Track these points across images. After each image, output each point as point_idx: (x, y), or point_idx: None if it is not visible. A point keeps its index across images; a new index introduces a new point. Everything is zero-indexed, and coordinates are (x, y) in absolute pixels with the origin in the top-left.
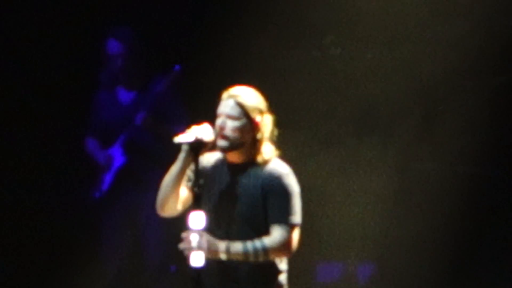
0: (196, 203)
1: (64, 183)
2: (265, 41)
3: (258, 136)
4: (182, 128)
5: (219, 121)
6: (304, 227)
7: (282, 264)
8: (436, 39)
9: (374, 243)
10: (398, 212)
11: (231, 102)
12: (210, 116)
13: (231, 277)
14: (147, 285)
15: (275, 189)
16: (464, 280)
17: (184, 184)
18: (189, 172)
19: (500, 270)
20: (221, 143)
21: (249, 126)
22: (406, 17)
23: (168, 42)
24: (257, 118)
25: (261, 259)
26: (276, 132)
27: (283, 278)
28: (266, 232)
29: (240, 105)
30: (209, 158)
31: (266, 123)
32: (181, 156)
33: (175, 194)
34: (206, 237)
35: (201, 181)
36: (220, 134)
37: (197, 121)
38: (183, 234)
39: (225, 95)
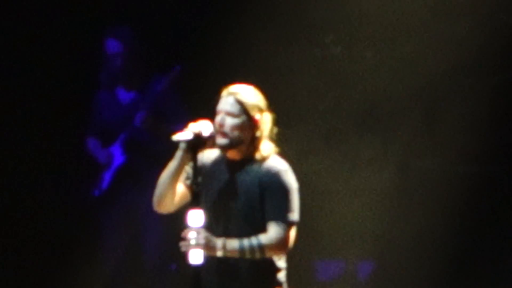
0: (195, 201)
1: (63, 182)
2: (266, 39)
3: (257, 134)
4: (182, 127)
5: (218, 118)
6: (303, 225)
7: (281, 261)
8: (437, 37)
9: (374, 241)
10: (398, 209)
11: (230, 100)
12: (210, 114)
13: (230, 274)
14: (147, 284)
15: (273, 185)
16: (464, 278)
17: (181, 180)
18: (188, 169)
19: (500, 269)
20: (220, 140)
21: (248, 124)
22: (408, 16)
23: (168, 41)
24: (257, 116)
25: (257, 256)
26: (275, 131)
27: (282, 275)
28: (264, 228)
29: (239, 103)
30: (208, 155)
31: (265, 121)
32: (178, 154)
33: (172, 191)
34: (204, 234)
35: (200, 179)
36: (219, 131)
37: (197, 119)
38: (183, 233)
39: (224, 92)
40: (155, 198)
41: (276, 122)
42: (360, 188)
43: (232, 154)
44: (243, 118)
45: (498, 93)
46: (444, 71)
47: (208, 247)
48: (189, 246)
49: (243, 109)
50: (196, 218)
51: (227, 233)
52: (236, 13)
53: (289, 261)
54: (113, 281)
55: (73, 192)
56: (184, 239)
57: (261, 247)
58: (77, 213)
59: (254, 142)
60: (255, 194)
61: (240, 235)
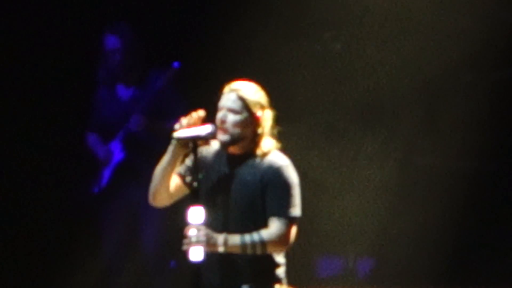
0: (195, 198)
1: (63, 179)
2: (267, 35)
3: (259, 130)
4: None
5: (220, 115)
6: (303, 221)
7: (280, 257)
8: (439, 34)
9: (374, 237)
10: (399, 206)
11: (232, 96)
12: (210, 110)
13: (229, 270)
14: (147, 280)
15: (275, 181)
16: (464, 275)
17: (177, 173)
18: (188, 161)
19: (500, 265)
20: (222, 136)
21: (250, 121)
22: (411, 13)
23: (167, 37)
24: (258, 112)
25: (258, 252)
26: (276, 128)
27: (281, 271)
28: (264, 223)
29: (241, 99)
30: (208, 148)
31: (267, 117)
32: (170, 148)
33: (166, 185)
34: (205, 231)
35: (201, 176)
36: (221, 127)
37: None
38: (185, 231)
39: (226, 89)
40: (150, 192)
41: (277, 118)
42: (361, 184)
43: (233, 149)
44: (245, 114)
45: (499, 90)
46: (445, 68)
47: (209, 244)
48: (190, 243)
49: (245, 106)
50: (196, 215)
51: (227, 228)
52: (237, 9)
53: (289, 257)
54: (113, 278)
55: (73, 189)
56: (185, 236)
57: (263, 243)
58: (77, 210)
59: (255, 139)
60: (256, 189)
61: (240, 229)
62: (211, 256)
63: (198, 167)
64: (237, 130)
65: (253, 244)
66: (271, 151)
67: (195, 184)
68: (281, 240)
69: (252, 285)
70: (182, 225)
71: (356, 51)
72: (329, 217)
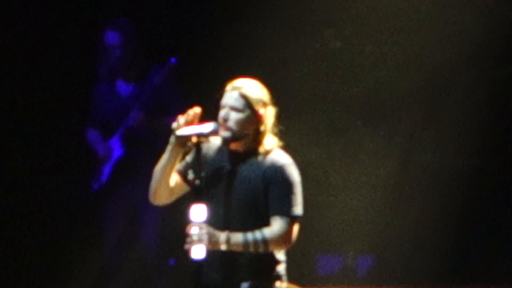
0: (197, 195)
1: (62, 175)
2: (268, 31)
3: (261, 128)
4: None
5: (222, 113)
6: (303, 218)
7: (281, 254)
8: (440, 31)
9: (374, 235)
10: (399, 204)
11: (235, 94)
12: (211, 108)
13: (230, 267)
14: (146, 278)
15: (277, 179)
16: (463, 273)
17: (176, 170)
18: (188, 159)
19: (500, 263)
20: (224, 133)
21: (252, 118)
22: (412, 9)
23: (168, 33)
24: (261, 110)
25: (260, 250)
26: (278, 125)
27: (281, 268)
28: (265, 220)
29: (244, 97)
30: (210, 145)
31: (269, 115)
32: (168, 148)
33: (165, 184)
34: (207, 229)
35: (203, 174)
36: (224, 125)
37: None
38: (187, 229)
39: (229, 87)
40: (150, 191)
41: (279, 115)
42: (361, 181)
43: (235, 146)
44: (247, 112)
45: (500, 88)
46: (446, 66)
47: (211, 242)
48: (192, 241)
49: (248, 104)
50: (198, 212)
51: (229, 225)
52: (238, 5)
53: (289, 254)
54: (112, 274)
55: (72, 186)
56: (187, 234)
57: (265, 241)
58: (76, 207)
59: (258, 136)
60: (258, 186)
61: (242, 227)
62: (212, 253)
63: (201, 165)
64: (239, 128)
65: (255, 242)
66: (273, 149)
67: (197, 182)
68: (283, 239)
69: (253, 282)
70: (183, 223)
71: (358, 49)
72: (329, 215)
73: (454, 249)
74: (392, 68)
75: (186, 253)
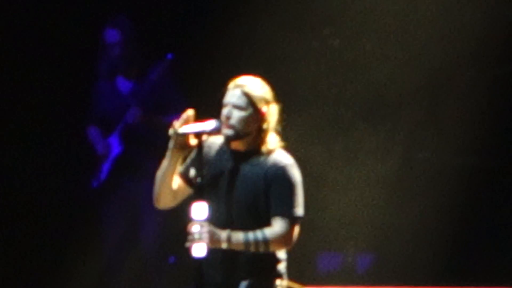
0: (199, 193)
1: (62, 173)
2: (269, 28)
3: (264, 126)
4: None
5: (225, 111)
6: (304, 216)
7: (281, 253)
8: (441, 30)
9: (374, 233)
10: (399, 201)
11: (237, 92)
12: (212, 105)
13: (230, 266)
14: (146, 276)
15: (279, 179)
16: (463, 271)
17: (178, 173)
18: (189, 160)
19: (500, 260)
20: (226, 131)
21: (255, 116)
22: (414, 7)
23: (169, 31)
24: (263, 108)
25: (261, 249)
26: (281, 123)
27: (282, 267)
28: (266, 220)
29: (246, 95)
30: (211, 143)
31: (272, 113)
32: (167, 153)
33: (168, 188)
34: (208, 227)
35: (204, 171)
36: (226, 123)
37: (199, 109)
38: (188, 227)
39: (231, 84)
40: (154, 196)
41: (281, 112)
42: (362, 179)
43: (237, 145)
44: (250, 110)
45: (501, 86)
46: (447, 64)
47: (212, 240)
48: (193, 240)
49: (250, 102)
50: (200, 210)
51: (229, 224)
52: (238, 3)
53: (289, 252)
54: (112, 272)
55: (72, 183)
56: (188, 233)
57: (266, 241)
58: (76, 204)
59: (260, 134)
60: (259, 186)
61: (242, 226)
62: (213, 251)
63: (203, 163)
64: (242, 126)
65: (256, 242)
66: (276, 149)
67: (199, 179)
68: (284, 239)
69: (253, 280)
70: (184, 221)
71: (358, 47)
72: (329, 213)
73: (454, 247)
74: (393, 67)
75: (187, 251)
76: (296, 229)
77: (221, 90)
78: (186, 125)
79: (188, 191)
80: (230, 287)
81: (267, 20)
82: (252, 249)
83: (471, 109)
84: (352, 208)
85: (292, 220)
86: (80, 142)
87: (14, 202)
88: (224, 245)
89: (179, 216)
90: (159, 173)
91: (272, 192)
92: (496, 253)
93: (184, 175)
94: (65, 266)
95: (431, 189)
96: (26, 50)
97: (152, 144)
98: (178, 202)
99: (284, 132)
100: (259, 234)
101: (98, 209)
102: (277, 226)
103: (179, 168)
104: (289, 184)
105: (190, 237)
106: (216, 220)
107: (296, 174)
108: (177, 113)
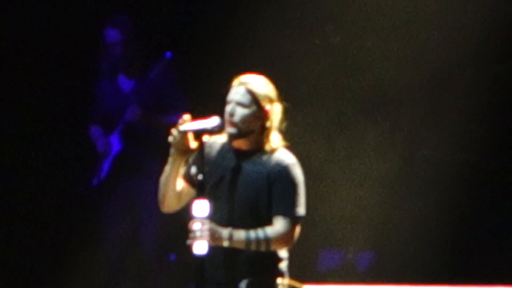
0: (200, 191)
1: (62, 171)
2: (270, 26)
3: (267, 124)
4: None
5: (229, 108)
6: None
7: (283, 252)
8: (442, 27)
9: (375, 230)
10: (400, 199)
11: (241, 90)
12: (213, 103)
13: (232, 264)
14: (146, 274)
15: (282, 179)
16: (464, 268)
17: (181, 176)
18: (191, 160)
19: (500, 258)
20: (230, 129)
21: (258, 114)
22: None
23: (170, 29)
24: (267, 106)
25: (262, 248)
26: (285, 122)
27: (283, 265)
28: (268, 219)
29: (250, 93)
30: (213, 142)
31: (275, 111)
32: (170, 159)
33: (172, 192)
34: (209, 225)
35: (206, 169)
36: (229, 121)
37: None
38: (189, 225)
39: (235, 82)
40: (159, 200)
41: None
42: (362, 176)
43: (240, 143)
44: (253, 108)
45: (502, 84)
46: (448, 61)
47: (213, 238)
48: (194, 238)
49: (254, 100)
50: (201, 208)
51: (231, 222)
52: (239, 1)
53: (290, 251)
54: (112, 271)
55: (72, 182)
56: (190, 230)
57: (267, 240)
58: (76, 203)
59: (263, 133)
60: (262, 185)
61: (244, 224)
62: (214, 249)
63: (204, 160)
64: (245, 124)
65: (258, 240)
66: (278, 148)
67: (200, 176)
68: (285, 239)
69: (254, 278)
70: (186, 219)
71: (360, 44)
72: (330, 210)
73: (455, 245)
74: (394, 64)
75: (188, 248)
76: (298, 229)
77: (223, 88)
78: (188, 122)
79: (192, 192)
80: (231, 285)
81: (268, 17)
82: (253, 247)
83: (472, 107)
84: (352, 206)
85: (294, 219)
86: (80, 140)
87: (14, 201)
88: (225, 243)
89: (180, 213)
90: (163, 178)
91: (274, 191)
92: (497, 252)
93: (187, 177)
94: (65, 264)
95: (432, 187)
96: (27, 50)
97: (152, 142)
98: (183, 204)
99: (285, 129)
100: (260, 232)
101: (98, 207)
102: (279, 225)
103: (182, 170)
104: (291, 184)
105: (191, 235)
106: (218, 218)
107: (298, 173)
108: (178, 112)
